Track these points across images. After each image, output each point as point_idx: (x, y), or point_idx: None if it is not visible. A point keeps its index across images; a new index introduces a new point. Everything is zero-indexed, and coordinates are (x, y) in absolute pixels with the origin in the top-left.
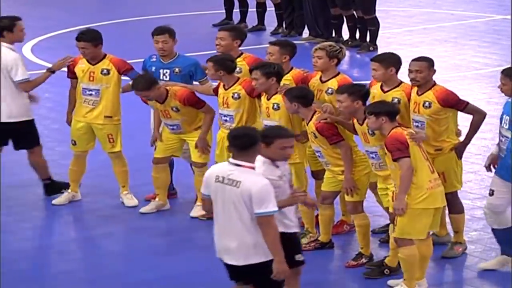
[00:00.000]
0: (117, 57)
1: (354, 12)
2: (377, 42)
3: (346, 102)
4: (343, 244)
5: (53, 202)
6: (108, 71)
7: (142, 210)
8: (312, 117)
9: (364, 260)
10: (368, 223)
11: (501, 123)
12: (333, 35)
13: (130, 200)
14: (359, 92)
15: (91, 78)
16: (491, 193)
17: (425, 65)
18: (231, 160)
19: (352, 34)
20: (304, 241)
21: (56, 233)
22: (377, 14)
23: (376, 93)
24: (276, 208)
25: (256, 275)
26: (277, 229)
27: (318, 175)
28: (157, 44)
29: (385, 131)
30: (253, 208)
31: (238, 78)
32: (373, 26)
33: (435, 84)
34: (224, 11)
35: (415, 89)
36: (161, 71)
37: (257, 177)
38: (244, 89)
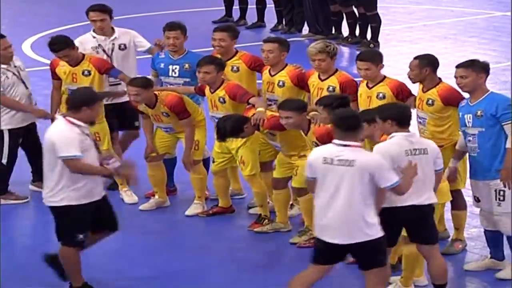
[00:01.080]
0: (96, 56)
1: (354, 9)
2: (378, 39)
3: (324, 114)
4: None
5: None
6: (89, 72)
7: (142, 207)
8: (309, 126)
9: None
10: None
11: (464, 125)
12: (333, 32)
13: (130, 197)
14: (332, 104)
15: (74, 80)
16: (477, 199)
17: (414, 63)
18: (336, 141)
19: (352, 31)
20: (304, 238)
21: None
22: (377, 10)
23: (362, 90)
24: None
25: (364, 253)
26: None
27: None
28: (168, 40)
29: (377, 137)
30: (380, 183)
31: (223, 81)
32: (375, 22)
33: (440, 81)
34: (223, 8)
35: (421, 86)
36: (170, 67)
37: (370, 154)
38: (227, 94)
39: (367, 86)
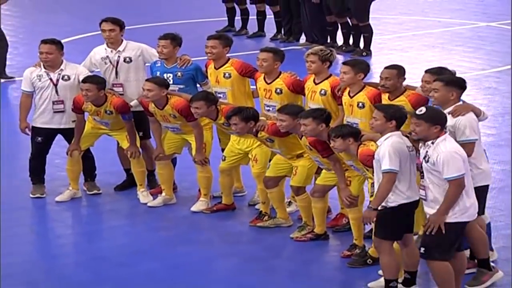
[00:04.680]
0: (118, 97)
1: (349, 20)
2: (370, 48)
3: (311, 126)
4: (337, 235)
5: (56, 199)
6: (112, 112)
7: (150, 204)
8: None
9: (357, 250)
10: (362, 216)
11: None
12: (328, 41)
13: (145, 197)
14: (322, 116)
15: (99, 115)
16: None
17: (394, 72)
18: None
19: (346, 40)
20: (303, 232)
21: (67, 227)
22: (369, 21)
23: (345, 99)
24: None
25: None
26: None
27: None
28: (158, 48)
29: (353, 151)
30: None
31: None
32: (367, 32)
33: (406, 90)
34: (226, 18)
35: (386, 94)
36: (164, 75)
37: None
38: (222, 113)
39: (349, 95)
